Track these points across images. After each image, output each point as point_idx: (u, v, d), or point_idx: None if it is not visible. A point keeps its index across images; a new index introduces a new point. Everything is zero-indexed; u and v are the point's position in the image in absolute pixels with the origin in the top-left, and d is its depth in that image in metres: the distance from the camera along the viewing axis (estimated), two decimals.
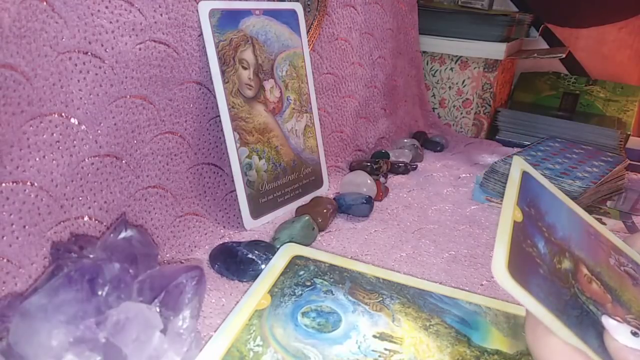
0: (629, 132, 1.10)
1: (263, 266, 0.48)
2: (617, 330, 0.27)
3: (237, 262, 0.48)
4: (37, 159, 0.40)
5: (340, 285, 0.45)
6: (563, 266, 0.31)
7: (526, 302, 0.27)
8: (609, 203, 0.76)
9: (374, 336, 0.39)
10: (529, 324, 0.30)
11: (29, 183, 0.40)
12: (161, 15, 0.49)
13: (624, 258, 0.36)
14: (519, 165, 0.37)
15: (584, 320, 0.28)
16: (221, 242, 0.53)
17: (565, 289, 0.30)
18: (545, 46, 1.26)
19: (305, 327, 0.40)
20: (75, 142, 0.43)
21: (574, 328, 0.27)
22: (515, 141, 1.06)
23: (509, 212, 0.31)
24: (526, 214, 0.32)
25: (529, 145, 0.86)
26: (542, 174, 0.39)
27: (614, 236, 0.38)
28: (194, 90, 0.54)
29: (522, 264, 0.28)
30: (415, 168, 0.84)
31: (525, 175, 0.36)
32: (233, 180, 0.57)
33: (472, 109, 1.07)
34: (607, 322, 0.28)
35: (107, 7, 0.45)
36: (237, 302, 0.44)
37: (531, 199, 0.34)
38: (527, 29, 1.20)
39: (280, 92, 0.63)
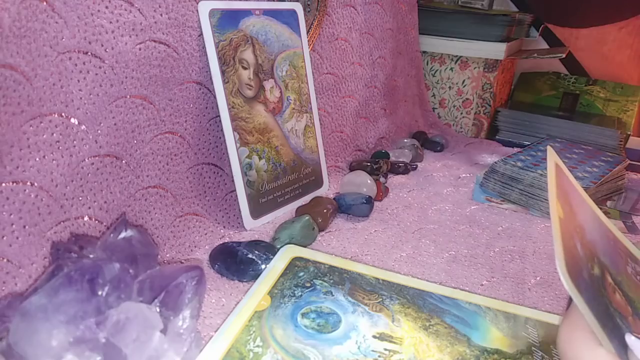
0: (629, 132, 1.10)
1: (263, 266, 0.48)
2: None
3: (237, 262, 0.48)
4: (37, 159, 0.40)
5: (340, 286, 0.45)
6: (595, 272, 0.30)
7: (582, 308, 0.26)
8: (609, 203, 0.76)
9: (374, 336, 0.39)
10: (565, 335, 0.29)
11: (29, 183, 0.40)
12: (161, 15, 0.49)
13: (639, 266, 0.35)
14: (552, 157, 0.35)
15: (616, 334, 0.27)
16: (221, 242, 0.53)
17: (600, 297, 0.29)
18: (545, 46, 1.26)
19: (305, 327, 0.40)
20: (75, 142, 0.43)
21: (612, 340, 0.26)
22: (515, 141, 1.06)
23: (554, 207, 0.29)
24: (565, 210, 0.31)
25: (529, 145, 0.86)
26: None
27: (630, 242, 0.37)
28: (194, 90, 0.54)
29: (572, 265, 0.27)
30: (415, 168, 0.84)
31: (558, 169, 0.34)
32: (233, 180, 0.57)
33: (472, 109, 1.07)
34: (631, 339, 0.27)
35: (107, 7, 0.45)
36: (237, 302, 0.44)
37: (565, 195, 0.33)
38: (527, 29, 1.20)
39: (280, 92, 0.63)
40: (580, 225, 0.32)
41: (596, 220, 0.36)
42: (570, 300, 0.29)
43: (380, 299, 0.44)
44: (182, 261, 0.51)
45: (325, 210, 0.60)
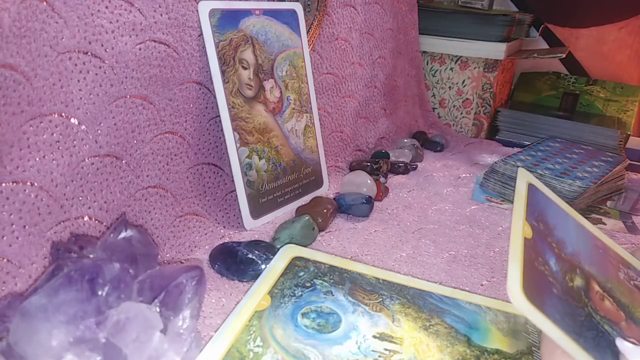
0: (629, 132, 1.10)
1: (263, 266, 0.48)
2: (633, 353, 0.27)
3: (237, 262, 0.48)
4: (37, 159, 0.40)
5: (340, 286, 0.45)
6: (575, 284, 0.31)
7: (544, 326, 0.26)
8: (609, 203, 0.76)
9: (374, 336, 0.39)
10: (545, 347, 0.29)
11: (29, 183, 0.40)
12: (161, 15, 0.49)
13: (632, 272, 0.36)
14: (524, 178, 0.36)
15: (601, 342, 0.28)
16: (221, 242, 0.53)
17: (579, 308, 0.29)
18: (545, 46, 1.26)
19: (305, 327, 0.40)
20: (75, 142, 0.43)
21: (591, 351, 0.26)
22: (515, 141, 1.06)
23: (518, 228, 0.30)
24: (535, 229, 0.31)
25: (529, 145, 0.86)
26: (542, 182, 0.38)
27: (621, 248, 0.38)
28: (194, 90, 0.54)
29: (536, 284, 0.28)
30: (415, 168, 0.84)
31: (531, 188, 0.35)
32: (233, 180, 0.57)
33: (472, 109, 1.07)
34: (622, 344, 0.27)
35: (107, 7, 0.45)
36: (237, 302, 0.44)
37: (539, 212, 0.33)
38: (527, 29, 1.20)
39: (280, 92, 0.63)
40: (558, 239, 0.33)
41: (581, 231, 0.36)
42: None
43: (381, 299, 0.44)
44: (182, 261, 0.51)
45: (325, 210, 0.60)
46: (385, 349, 0.38)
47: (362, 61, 0.84)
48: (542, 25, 1.22)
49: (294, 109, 0.65)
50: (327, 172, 0.72)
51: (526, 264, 0.28)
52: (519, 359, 0.39)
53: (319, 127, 0.69)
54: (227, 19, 0.56)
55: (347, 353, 0.37)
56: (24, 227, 0.40)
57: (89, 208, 0.45)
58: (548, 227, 0.33)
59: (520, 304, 0.26)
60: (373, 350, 0.38)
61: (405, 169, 0.82)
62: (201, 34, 0.53)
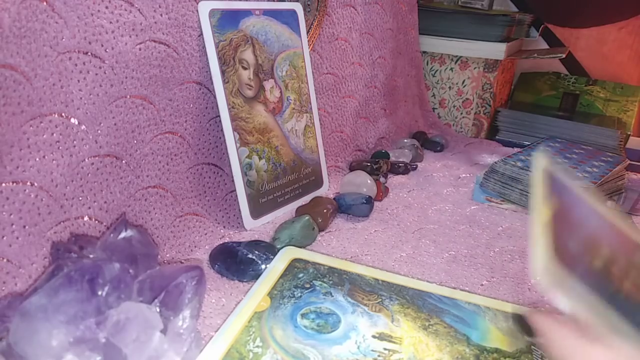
0: (629, 132, 1.10)
1: (263, 266, 0.48)
2: None
3: (237, 262, 0.48)
4: (37, 159, 0.41)
5: (340, 287, 0.45)
6: (596, 264, 0.31)
7: (571, 303, 0.27)
8: (609, 203, 0.75)
9: (373, 336, 0.39)
10: (556, 345, 0.29)
11: (29, 183, 0.40)
12: (161, 15, 0.49)
13: None
14: (542, 161, 0.36)
15: (627, 320, 0.28)
16: (221, 242, 0.53)
17: (603, 288, 0.29)
18: (545, 46, 1.26)
19: (304, 328, 0.40)
20: (75, 142, 0.43)
21: (623, 324, 0.27)
22: (515, 141, 1.06)
23: (539, 209, 0.31)
24: (554, 210, 0.32)
25: (529, 145, 0.86)
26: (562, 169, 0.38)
27: (637, 232, 0.38)
28: (194, 90, 0.54)
29: (559, 265, 0.28)
30: (415, 168, 0.85)
31: (549, 171, 0.36)
32: (233, 180, 0.57)
33: (472, 109, 1.07)
34: None
35: (107, 7, 0.45)
36: (237, 302, 0.44)
37: (557, 194, 0.34)
38: (527, 29, 1.20)
39: (280, 92, 0.63)
40: (577, 220, 0.33)
41: (597, 214, 0.36)
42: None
43: (380, 300, 0.44)
44: (182, 261, 0.51)
45: (325, 210, 0.60)
46: (385, 349, 0.38)
47: (362, 61, 0.84)
48: (542, 25, 1.22)
49: (294, 109, 0.65)
50: (327, 172, 0.72)
51: (547, 245, 0.28)
52: (518, 357, 0.39)
53: (319, 127, 0.69)
54: (227, 19, 0.56)
55: (347, 353, 0.37)
56: (24, 227, 0.40)
57: (89, 208, 0.45)
58: (566, 208, 0.33)
59: (546, 283, 0.26)
60: (372, 350, 0.38)
61: (405, 169, 0.82)
62: (201, 34, 0.53)
